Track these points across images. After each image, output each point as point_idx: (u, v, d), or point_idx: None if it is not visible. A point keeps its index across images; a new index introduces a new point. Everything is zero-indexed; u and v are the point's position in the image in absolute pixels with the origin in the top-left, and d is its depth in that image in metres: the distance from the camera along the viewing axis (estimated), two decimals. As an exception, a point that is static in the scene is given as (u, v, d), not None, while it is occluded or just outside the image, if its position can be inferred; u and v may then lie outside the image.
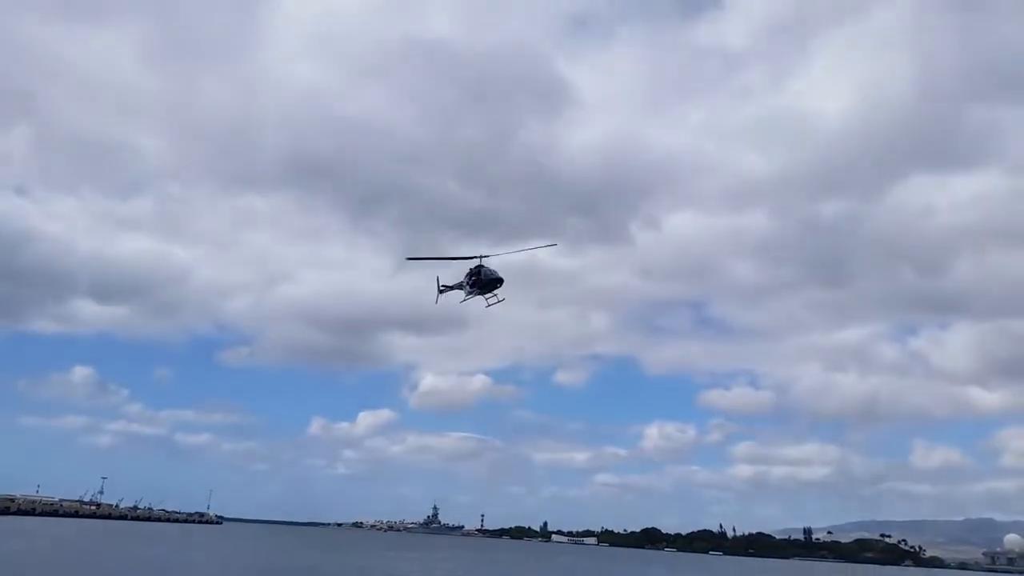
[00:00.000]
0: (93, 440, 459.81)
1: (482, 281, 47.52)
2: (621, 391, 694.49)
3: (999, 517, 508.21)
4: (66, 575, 50.58)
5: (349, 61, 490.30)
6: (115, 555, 74.88)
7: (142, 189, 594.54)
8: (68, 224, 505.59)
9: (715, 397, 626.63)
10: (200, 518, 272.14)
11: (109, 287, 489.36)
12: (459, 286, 49.17)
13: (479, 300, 48.06)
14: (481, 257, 47.76)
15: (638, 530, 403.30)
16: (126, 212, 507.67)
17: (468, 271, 48.03)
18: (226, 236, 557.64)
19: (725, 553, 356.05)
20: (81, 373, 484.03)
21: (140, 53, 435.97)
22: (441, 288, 50.61)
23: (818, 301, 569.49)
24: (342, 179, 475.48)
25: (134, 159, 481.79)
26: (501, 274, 47.64)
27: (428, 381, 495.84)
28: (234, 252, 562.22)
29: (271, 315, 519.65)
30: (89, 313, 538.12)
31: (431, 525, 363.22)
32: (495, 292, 47.74)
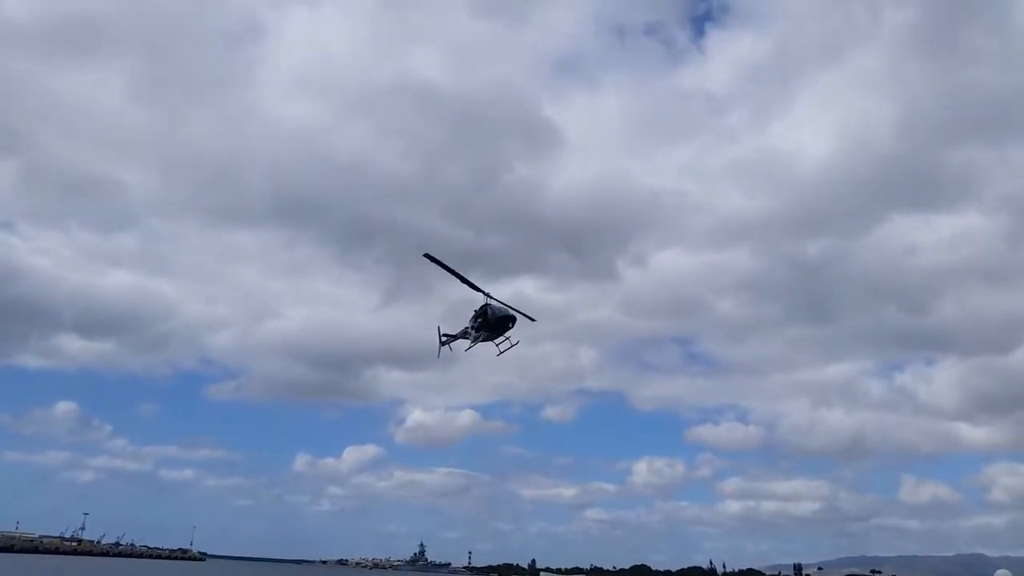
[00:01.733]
0: (75, 475, 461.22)
1: (490, 322, 41.71)
2: (609, 426, 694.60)
3: (989, 553, 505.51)
4: None
5: (337, 100, 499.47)
6: None
7: (128, 224, 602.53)
8: (54, 259, 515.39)
9: (703, 432, 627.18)
10: (183, 554, 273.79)
11: (94, 322, 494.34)
12: (463, 333, 43.86)
13: (488, 346, 42.73)
14: (487, 295, 42.12)
15: (627, 567, 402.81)
16: (112, 248, 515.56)
17: (473, 313, 42.70)
18: (212, 272, 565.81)
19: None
20: (64, 408, 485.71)
21: (128, 88, 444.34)
22: (443, 339, 44.91)
23: (803, 338, 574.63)
24: (329, 215, 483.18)
25: (120, 194, 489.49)
26: (512, 310, 41.66)
27: (415, 416, 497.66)
28: (220, 287, 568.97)
29: (257, 350, 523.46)
30: (74, 348, 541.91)
31: (418, 563, 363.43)
32: (507, 335, 42.12)
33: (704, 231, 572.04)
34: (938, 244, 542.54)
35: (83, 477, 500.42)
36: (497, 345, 42.07)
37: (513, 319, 41.14)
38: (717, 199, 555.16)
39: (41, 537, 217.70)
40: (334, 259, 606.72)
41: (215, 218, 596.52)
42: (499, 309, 41.31)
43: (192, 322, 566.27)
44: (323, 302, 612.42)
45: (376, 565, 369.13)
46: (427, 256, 39.32)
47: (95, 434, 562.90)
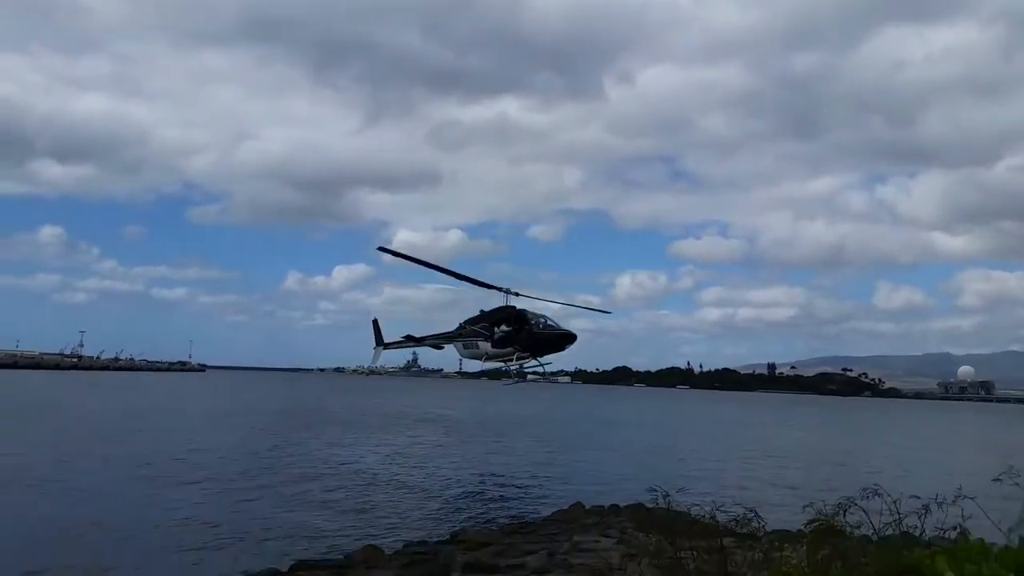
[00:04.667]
0: (68, 297, 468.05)
1: (534, 338, 29.51)
2: (594, 244, 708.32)
3: (955, 351, 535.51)
4: (65, 422, 51.73)
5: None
6: (113, 400, 79.56)
7: (94, 47, 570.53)
8: (21, 84, 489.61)
9: (686, 247, 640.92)
10: (183, 367, 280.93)
11: (70, 147, 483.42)
12: (476, 336, 31.28)
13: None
14: (508, 292, 30.10)
15: (610, 369, 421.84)
16: (81, 71, 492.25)
17: (489, 315, 30.51)
18: (185, 93, 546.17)
19: (692, 387, 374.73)
20: (50, 233, 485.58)
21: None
22: (435, 343, 34.01)
23: (789, 153, 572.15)
24: (302, 33, 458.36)
25: (83, 16, 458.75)
26: (565, 325, 30.19)
27: (402, 237, 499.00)
28: (194, 110, 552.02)
29: (237, 173, 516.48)
30: (52, 174, 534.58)
31: (411, 369, 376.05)
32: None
33: (693, 46, 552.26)
34: (929, 57, 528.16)
35: (76, 298, 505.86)
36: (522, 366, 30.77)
37: (572, 337, 29.89)
38: (708, 13, 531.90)
39: (42, 354, 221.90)
40: (309, 78, 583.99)
41: (185, 39, 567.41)
42: (547, 323, 29.72)
43: (169, 145, 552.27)
44: (301, 124, 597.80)
45: (372, 372, 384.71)
46: (381, 249, 32.73)
47: (83, 257, 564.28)
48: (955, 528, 4.23)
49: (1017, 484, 4.23)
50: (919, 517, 4.40)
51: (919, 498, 4.55)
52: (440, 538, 18.64)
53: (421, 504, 25.35)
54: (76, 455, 34.03)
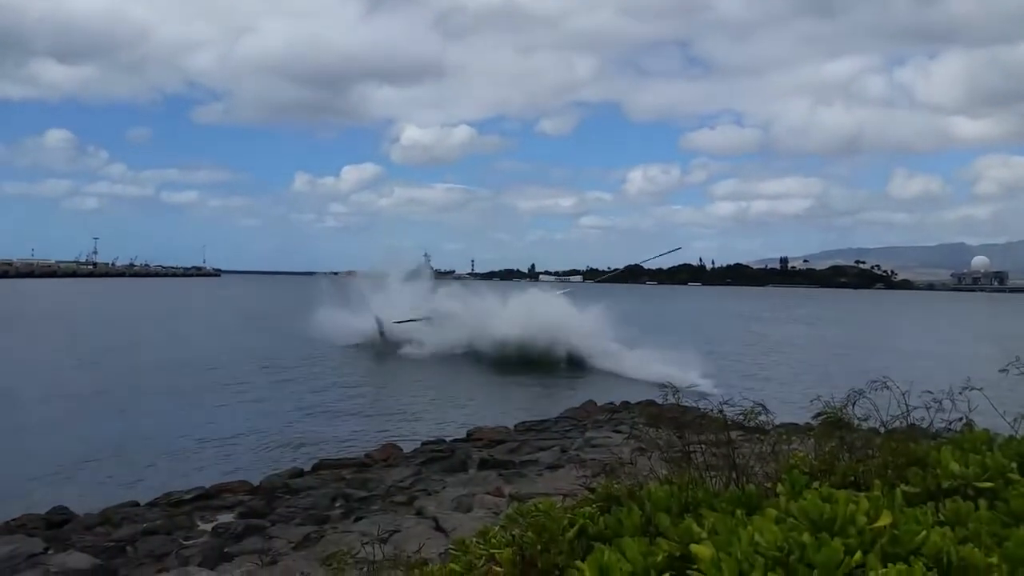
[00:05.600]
0: (79, 203, 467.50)
1: None
2: (606, 137, 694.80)
3: (970, 241, 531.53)
4: (90, 328, 53.55)
5: None
6: (139, 306, 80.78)
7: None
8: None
9: (699, 138, 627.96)
10: (198, 272, 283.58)
11: (69, 47, 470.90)
12: None
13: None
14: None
15: (621, 267, 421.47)
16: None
17: None
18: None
19: (704, 284, 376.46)
20: (57, 137, 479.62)
21: None
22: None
23: (808, 34, 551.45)
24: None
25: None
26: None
27: (409, 134, 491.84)
28: (191, 5, 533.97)
29: (240, 70, 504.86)
30: (54, 75, 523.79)
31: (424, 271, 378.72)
32: None
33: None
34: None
35: (87, 204, 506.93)
36: None
37: None
38: None
39: (57, 263, 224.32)
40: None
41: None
42: None
43: (169, 42, 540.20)
44: (302, 15, 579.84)
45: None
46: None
47: (91, 161, 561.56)
48: (961, 419, 4.28)
49: (1023, 374, 4.26)
50: (926, 408, 4.45)
51: (927, 391, 4.59)
52: (456, 437, 19.18)
53: (434, 405, 26.05)
54: (99, 363, 34.84)
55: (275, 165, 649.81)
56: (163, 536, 11.45)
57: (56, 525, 12.18)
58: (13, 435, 19.96)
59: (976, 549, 2.51)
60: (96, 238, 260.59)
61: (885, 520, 2.72)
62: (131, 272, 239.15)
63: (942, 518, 2.90)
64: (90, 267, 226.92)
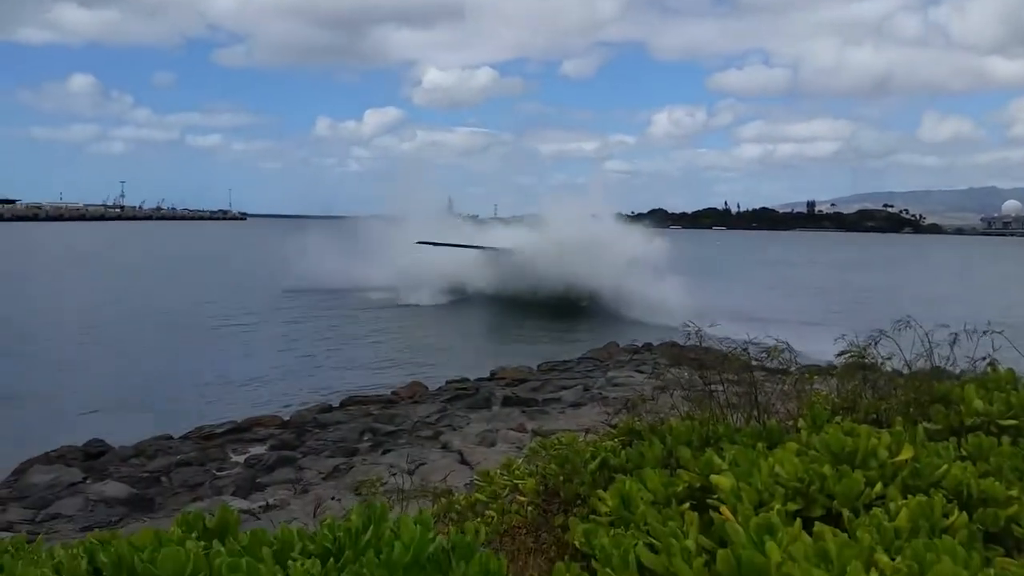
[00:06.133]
0: (105, 147, 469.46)
1: None
2: (630, 78, 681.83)
3: (1001, 185, 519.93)
4: (123, 272, 53.50)
5: None
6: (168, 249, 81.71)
7: None
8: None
9: (726, 79, 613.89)
10: (224, 215, 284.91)
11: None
12: None
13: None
14: None
15: (645, 211, 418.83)
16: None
17: None
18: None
19: (729, 228, 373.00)
20: (80, 82, 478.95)
21: None
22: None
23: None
24: None
25: None
26: None
27: (431, 77, 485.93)
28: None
29: (260, 12, 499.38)
30: (76, 19, 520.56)
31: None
32: None
33: None
34: None
35: (113, 148, 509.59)
36: None
37: None
38: None
39: (86, 206, 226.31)
40: None
41: None
42: None
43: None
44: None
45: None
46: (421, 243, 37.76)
47: (116, 106, 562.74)
48: (984, 359, 4.26)
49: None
50: (950, 347, 4.43)
51: (950, 329, 4.57)
52: (480, 376, 19.42)
53: (457, 347, 26.32)
54: (129, 305, 35.48)
55: (297, 109, 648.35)
56: (196, 467, 11.84)
57: (93, 457, 12.67)
58: (48, 374, 20.51)
59: (997, 482, 2.53)
60: (123, 182, 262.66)
61: (906, 454, 2.75)
62: (158, 215, 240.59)
63: (964, 453, 2.92)
64: (117, 211, 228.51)
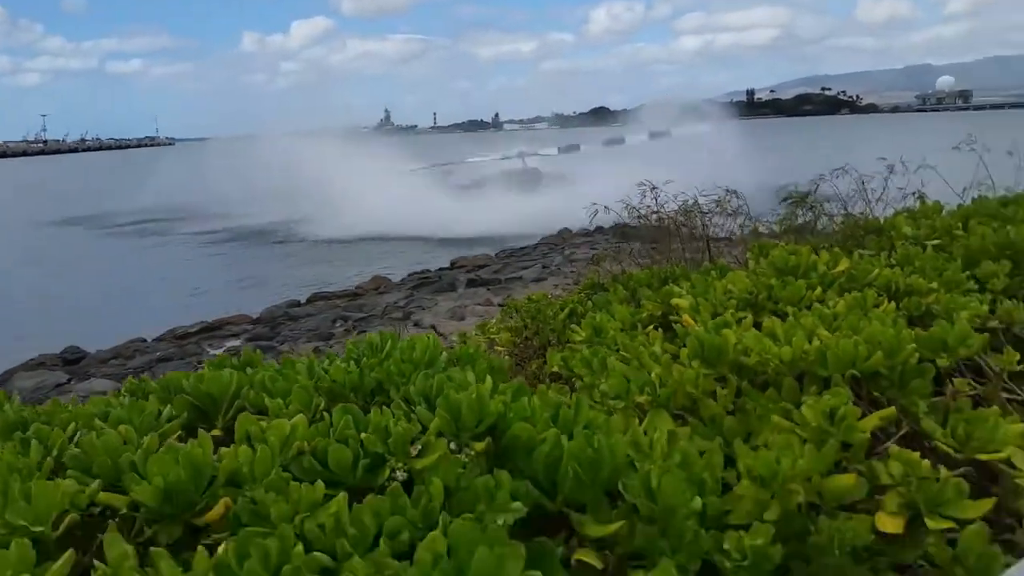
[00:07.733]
0: (20, 79, 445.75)
1: None
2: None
3: (936, 62, 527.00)
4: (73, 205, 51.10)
5: None
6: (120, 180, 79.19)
7: None
8: None
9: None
10: (152, 142, 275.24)
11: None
12: None
13: None
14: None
15: (587, 111, 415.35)
16: None
17: None
18: None
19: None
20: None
21: None
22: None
23: None
24: None
25: None
26: None
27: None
28: None
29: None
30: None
31: (385, 127, 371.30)
32: None
33: None
34: None
35: (28, 80, 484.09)
36: None
37: None
38: None
39: (6, 143, 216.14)
40: None
41: None
42: None
43: None
44: None
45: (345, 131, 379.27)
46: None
47: (26, 35, 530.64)
48: (914, 193, 4.64)
49: (973, 150, 4.56)
50: (884, 180, 4.79)
51: (885, 175, 4.91)
52: (441, 266, 19.91)
53: (410, 246, 26.65)
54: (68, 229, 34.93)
55: (220, 26, 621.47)
56: (178, 361, 12.22)
57: (72, 362, 13.05)
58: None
59: (921, 279, 2.88)
60: (44, 115, 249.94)
61: (844, 266, 3.09)
62: (83, 147, 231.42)
63: (893, 263, 3.27)
64: (40, 145, 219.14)
